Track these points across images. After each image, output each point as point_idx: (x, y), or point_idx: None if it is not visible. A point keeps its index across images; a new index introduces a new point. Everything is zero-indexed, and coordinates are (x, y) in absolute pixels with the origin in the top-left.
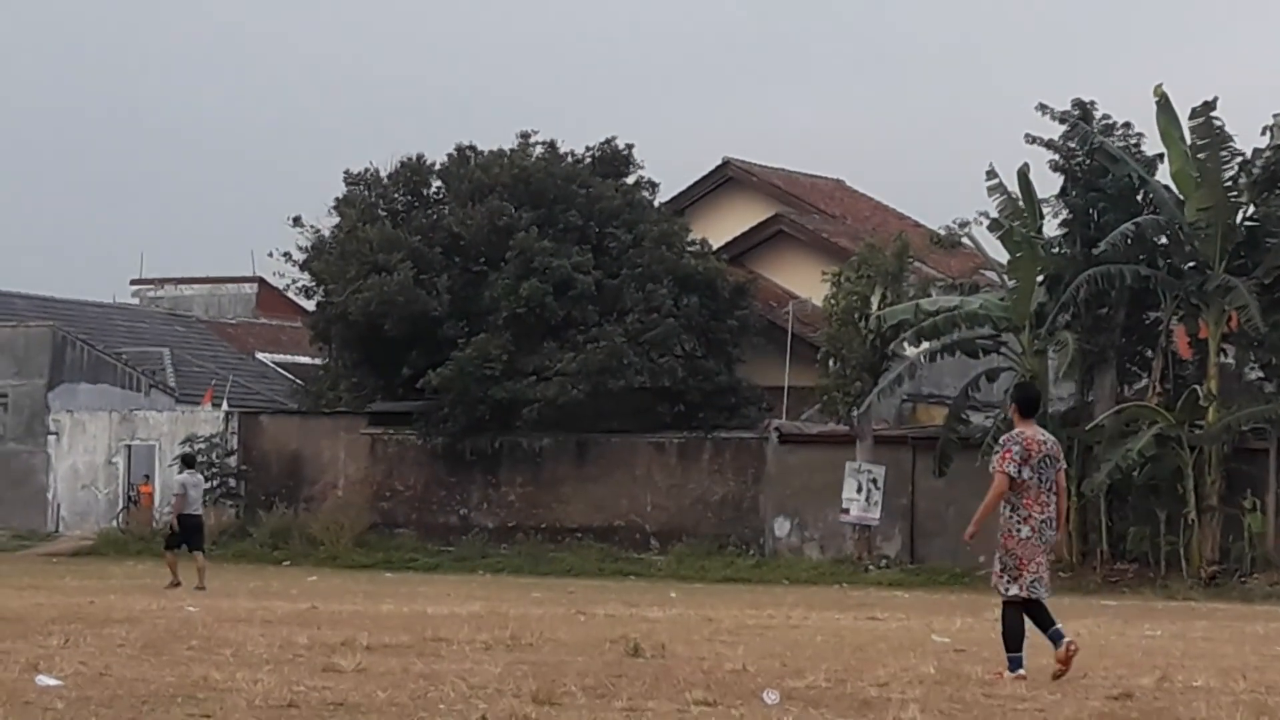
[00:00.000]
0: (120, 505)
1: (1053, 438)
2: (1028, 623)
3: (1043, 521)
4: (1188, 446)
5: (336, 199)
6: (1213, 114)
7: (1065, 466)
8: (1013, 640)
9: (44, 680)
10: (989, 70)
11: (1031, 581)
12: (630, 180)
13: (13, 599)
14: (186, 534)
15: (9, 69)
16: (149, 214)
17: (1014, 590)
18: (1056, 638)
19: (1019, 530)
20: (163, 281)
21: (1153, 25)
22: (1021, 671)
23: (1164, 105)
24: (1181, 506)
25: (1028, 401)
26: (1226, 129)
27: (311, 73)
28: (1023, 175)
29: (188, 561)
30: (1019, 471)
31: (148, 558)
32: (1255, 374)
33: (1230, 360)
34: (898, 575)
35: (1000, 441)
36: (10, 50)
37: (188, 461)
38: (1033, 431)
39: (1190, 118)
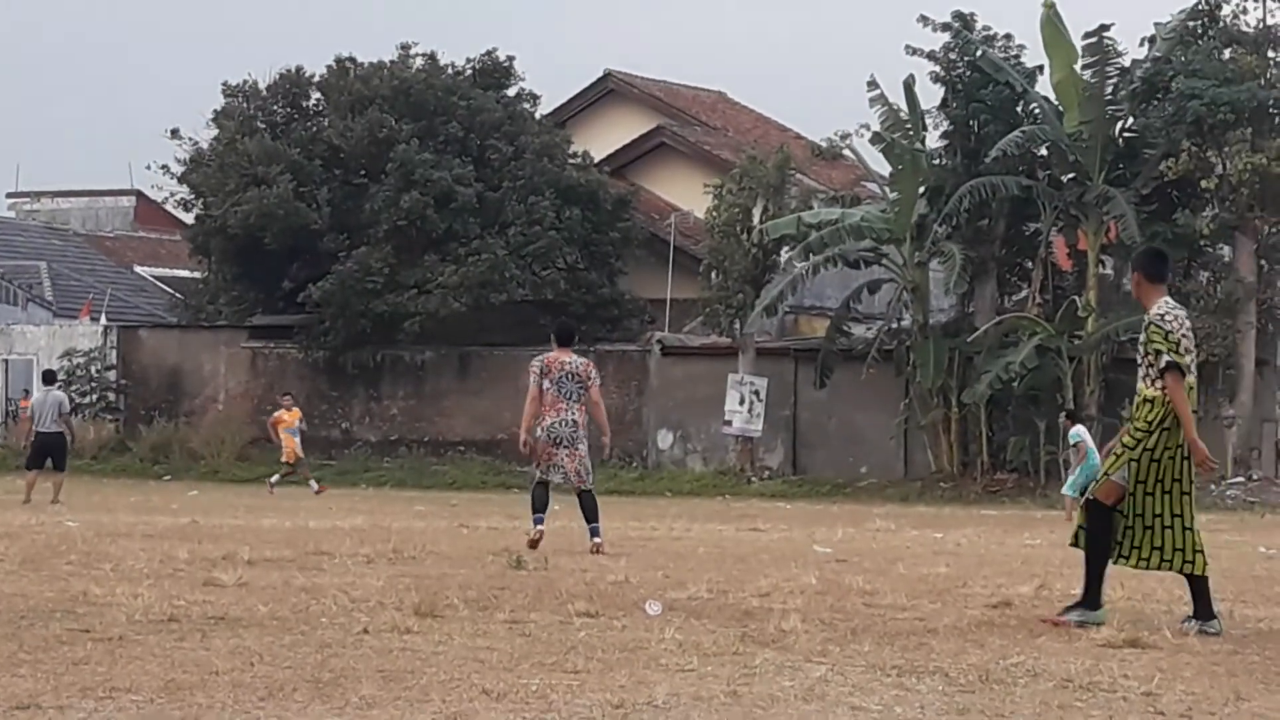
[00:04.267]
0: None
1: (582, 360)
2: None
3: (554, 424)
4: (1067, 357)
5: (215, 111)
6: (1105, 35)
7: (599, 383)
8: (535, 506)
9: None
10: None
11: (548, 468)
12: (511, 92)
13: None
14: (44, 451)
15: None
16: (25, 126)
17: (538, 475)
18: (592, 533)
19: (536, 431)
20: (39, 194)
21: None
22: (540, 529)
23: (1052, 14)
24: (1060, 416)
25: (562, 333)
26: (1117, 47)
27: None
28: (908, 87)
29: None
30: (540, 383)
31: None
32: None
33: (1109, 271)
34: (780, 486)
35: (531, 362)
36: None
37: (46, 378)
38: (558, 354)
39: (1083, 37)
